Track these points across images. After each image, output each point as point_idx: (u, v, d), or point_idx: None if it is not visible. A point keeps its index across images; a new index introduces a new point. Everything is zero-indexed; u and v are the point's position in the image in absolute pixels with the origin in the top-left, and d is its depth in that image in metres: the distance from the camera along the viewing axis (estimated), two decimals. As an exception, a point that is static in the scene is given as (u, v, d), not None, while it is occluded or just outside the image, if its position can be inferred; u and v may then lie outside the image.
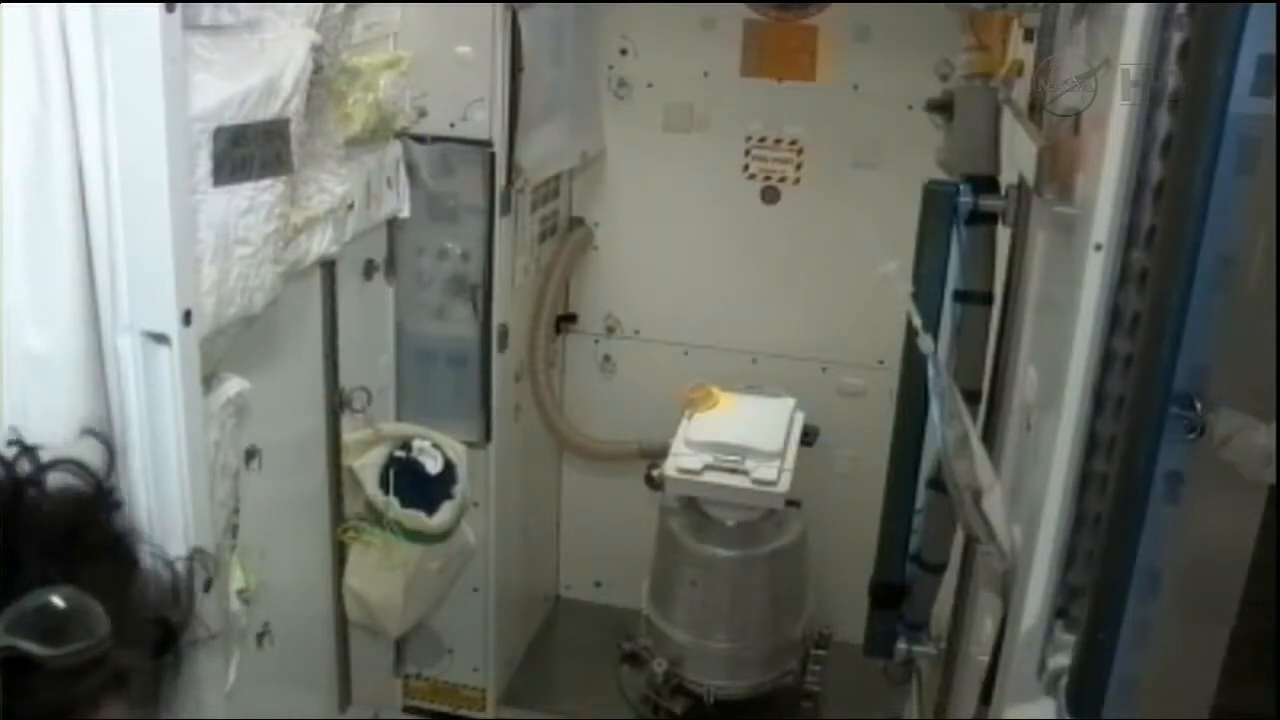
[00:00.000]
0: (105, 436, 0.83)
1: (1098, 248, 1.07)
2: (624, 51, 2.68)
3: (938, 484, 1.73)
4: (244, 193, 1.42)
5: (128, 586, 0.68)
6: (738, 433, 2.42)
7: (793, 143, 2.66)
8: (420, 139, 2.18)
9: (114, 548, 0.69)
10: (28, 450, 0.68)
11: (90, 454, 0.74)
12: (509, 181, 2.27)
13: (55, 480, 0.68)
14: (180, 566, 0.73)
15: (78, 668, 0.61)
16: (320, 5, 1.59)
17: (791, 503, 2.39)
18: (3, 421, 1.18)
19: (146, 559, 0.71)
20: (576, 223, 2.80)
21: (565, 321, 2.86)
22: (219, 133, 1.36)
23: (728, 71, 2.63)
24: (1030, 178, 1.36)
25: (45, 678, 0.60)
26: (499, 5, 2.14)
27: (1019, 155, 1.51)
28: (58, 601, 0.61)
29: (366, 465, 2.11)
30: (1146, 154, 1.03)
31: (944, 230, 1.69)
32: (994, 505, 1.36)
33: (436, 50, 2.13)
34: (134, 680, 0.66)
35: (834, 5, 2.54)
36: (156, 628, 0.69)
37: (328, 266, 1.97)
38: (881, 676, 2.26)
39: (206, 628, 0.74)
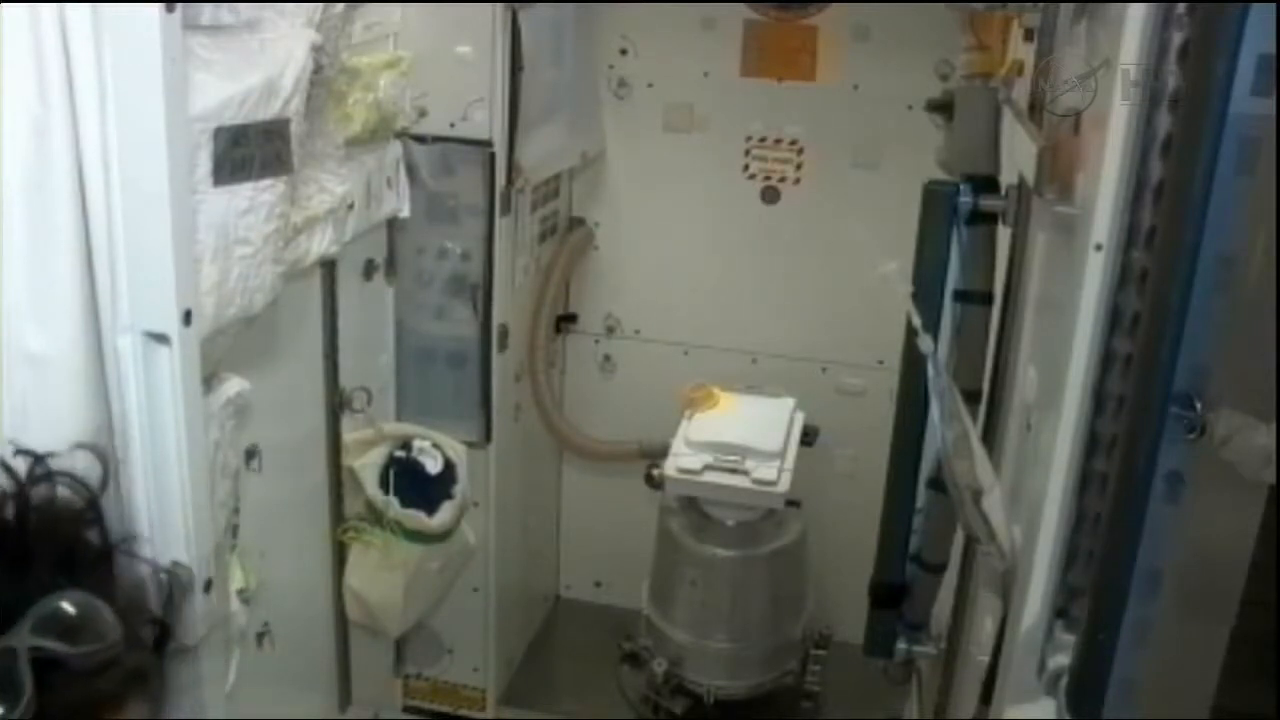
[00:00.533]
0: (101, 449, 0.85)
1: (1098, 248, 1.07)
2: (624, 51, 2.68)
3: (938, 484, 1.73)
4: (244, 193, 1.42)
5: (119, 591, 0.70)
6: (738, 433, 2.42)
7: (793, 143, 2.66)
8: (420, 139, 2.18)
9: (108, 554, 0.71)
10: (38, 459, 0.70)
11: (85, 459, 0.76)
12: (509, 181, 2.27)
13: (51, 490, 0.70)
14: (163, 577, 0.76)
15: (96, 668, 0.64)
16: (320, 5, 1.58)
17: (791, 503, 2.39)
18: (2, 422, 1.18)
19: (134, 565, 0.73)
20: (576, 223, 2.80)
21: (565, 321, 2.86)
22: (219, 133, 1.36)
23: (728, 71, 2.63)
24: (1030, 178, 1.36)
25: (65, 678, 0.62)
26: (499, 5, 2.14)
27: (1019, 155, 1.51)
28: (72, 606, 0.64)
29: (366, 465, 2.11)
30: (1146, 154, 1.03)
31: (944, 230, 1.69)
32: (994, 505, 1.36)
33: (436, 50, 2.12)
34: (152, 680, 0.68)
35: (834, 5, 2.54)
36: (151, 630, 0.71)
37: (328, 266, 1.97)
38: (881, 676, 2.26)
39: (180, 643, 0.76)
